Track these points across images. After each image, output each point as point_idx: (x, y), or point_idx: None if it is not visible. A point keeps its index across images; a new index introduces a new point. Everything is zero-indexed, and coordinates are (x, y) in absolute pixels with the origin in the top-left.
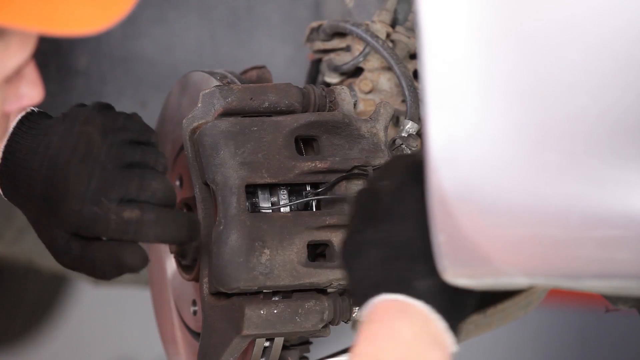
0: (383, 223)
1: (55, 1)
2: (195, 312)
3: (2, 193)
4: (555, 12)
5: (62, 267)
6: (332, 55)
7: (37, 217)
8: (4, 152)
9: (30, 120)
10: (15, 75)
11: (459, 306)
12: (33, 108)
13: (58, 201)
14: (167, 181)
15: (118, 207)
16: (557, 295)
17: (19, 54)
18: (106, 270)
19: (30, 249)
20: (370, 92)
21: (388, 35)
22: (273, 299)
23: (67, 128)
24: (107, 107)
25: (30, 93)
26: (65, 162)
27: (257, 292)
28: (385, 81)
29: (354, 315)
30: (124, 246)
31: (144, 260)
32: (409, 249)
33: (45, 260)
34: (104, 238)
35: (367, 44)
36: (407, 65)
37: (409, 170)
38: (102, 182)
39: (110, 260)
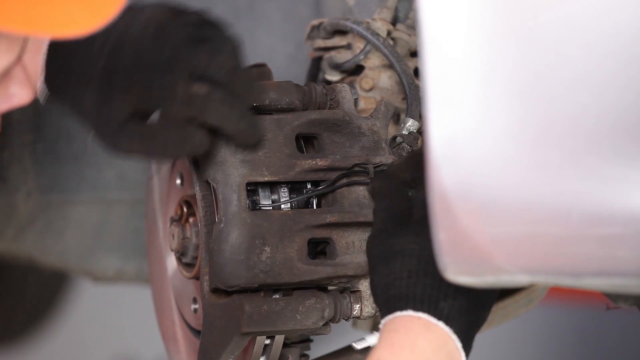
0: (416, 235)
1: (41, 3)
2: (195, 310)
3: (45, 85)
4: (556, 10)
5: (119, 153)
6: (332, 53)
7: (92, 99)
8: (51, 43)
9: None
10: (3, 76)
11: (474, 326)
12: None
13: (124, 72)
14: (237, 57)
15: (187, 80)
16: (557, 293)
17: (6, 55)
18: (169, 148)
19: (30, 246)
20: (371, 90)
21: (389, 33)
22: (273, 296)
23: (134, 12)
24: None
25: (20, 93)
26: (134, 38)
27: (257, 290)
28: (386, 79)
29: (354, 312)
30: (187, 125)
31: (207, 141)
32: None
33: (46, 257)
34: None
35: (368, 41)
36: (407, 63)
37: None
38: (172, 56)
39: (174, 137)
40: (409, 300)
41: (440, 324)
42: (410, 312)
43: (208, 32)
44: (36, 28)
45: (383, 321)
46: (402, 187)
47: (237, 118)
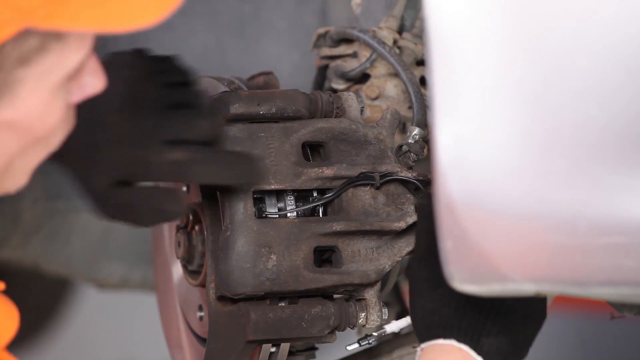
0: None
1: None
2: (201, 318)
3: None
4: (565, 20)
5: (103, 219)
6: (338, 62)
7: (77, 168)
8: None
9: None
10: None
11: None
12: None
13: (105, 147)
14: (211, 119)
15: (165, 149)
16: (562, 301)
17: (78, 52)
18: (145, 216)
19: (36, 253)
20: (377, 98)
21: (395, 42)
22: (279, 304)
23: (110, 76)
24: (145, 52)
25: (92, 82)
26: (113, 109)
27: (263, 298)
28: (391, 87)
29: (360, 320)
30: (164, 191)
31: (183, 206)
32: (485, 300)
33: (51, 264)
34: (150, 183)
35: (374, 50)
36: (413, 72)
37: None
38: (148, 125)
39: (150, 205)
40: (454, 330)
41: (479, 359)
42: (453, 342)
43: (180, 95)
44: (106, 25)
45: (423, 345)
46: None
47: (224, 171)
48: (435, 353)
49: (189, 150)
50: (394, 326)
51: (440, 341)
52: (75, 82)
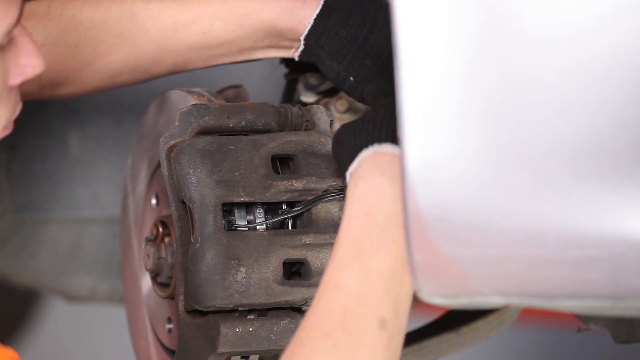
0: None
1: None
2: (170, 330)
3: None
4: (532, 35)
5: None
6: (308, 75)
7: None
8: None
9: None
10: (10, 46)
11: None
12: None
13: None
14: None
15: None
16: (529, 314)
17: (3, 19)
18: None
19: (4, 265)
20: (346, 111)
21: None
22: (248, 317)
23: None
24: None
25: (31, 63)
26: None
27: (232, 310)
28: None
29: None
30: None
31: None
32: None
33: (19, 276)
34: None
35: None
36: None
37: None
38: None
39: None
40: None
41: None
42: (388, 146)
43: None
44: None
45: (355, 163)
46: None
47: None
48: (374, 160)
49: None
50: None
51: (376, 147)
52: (12, 63)
